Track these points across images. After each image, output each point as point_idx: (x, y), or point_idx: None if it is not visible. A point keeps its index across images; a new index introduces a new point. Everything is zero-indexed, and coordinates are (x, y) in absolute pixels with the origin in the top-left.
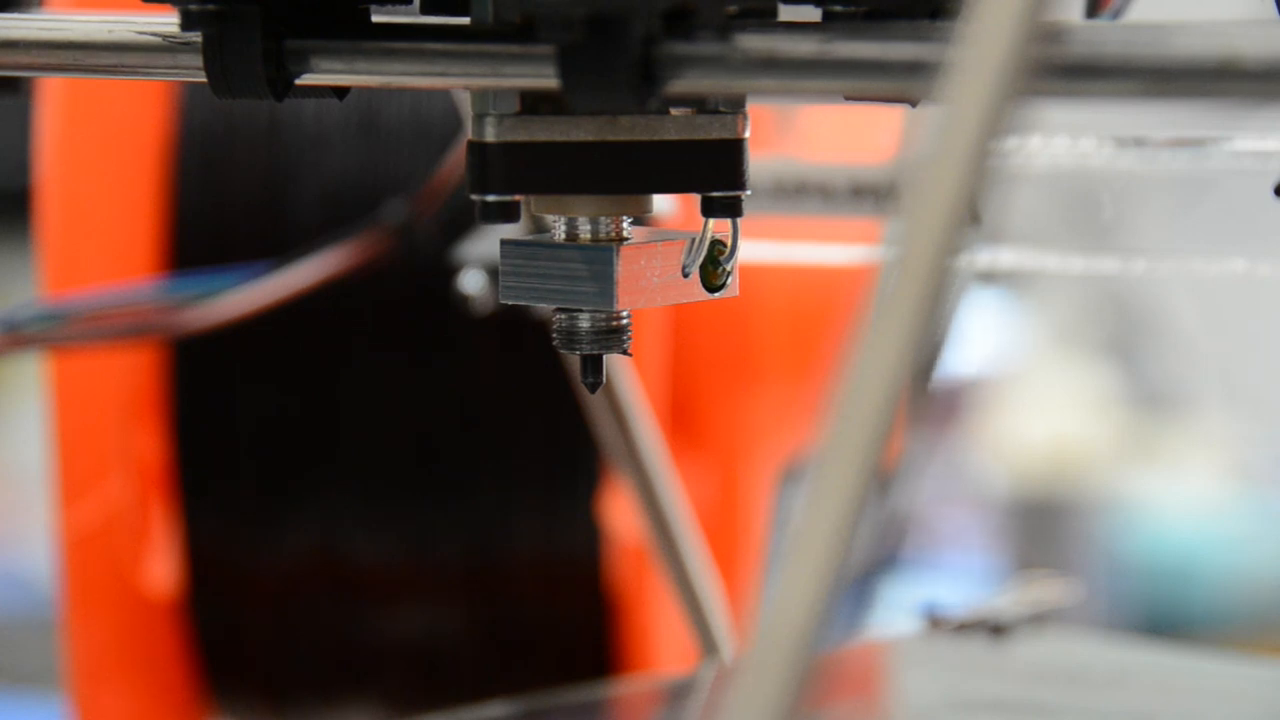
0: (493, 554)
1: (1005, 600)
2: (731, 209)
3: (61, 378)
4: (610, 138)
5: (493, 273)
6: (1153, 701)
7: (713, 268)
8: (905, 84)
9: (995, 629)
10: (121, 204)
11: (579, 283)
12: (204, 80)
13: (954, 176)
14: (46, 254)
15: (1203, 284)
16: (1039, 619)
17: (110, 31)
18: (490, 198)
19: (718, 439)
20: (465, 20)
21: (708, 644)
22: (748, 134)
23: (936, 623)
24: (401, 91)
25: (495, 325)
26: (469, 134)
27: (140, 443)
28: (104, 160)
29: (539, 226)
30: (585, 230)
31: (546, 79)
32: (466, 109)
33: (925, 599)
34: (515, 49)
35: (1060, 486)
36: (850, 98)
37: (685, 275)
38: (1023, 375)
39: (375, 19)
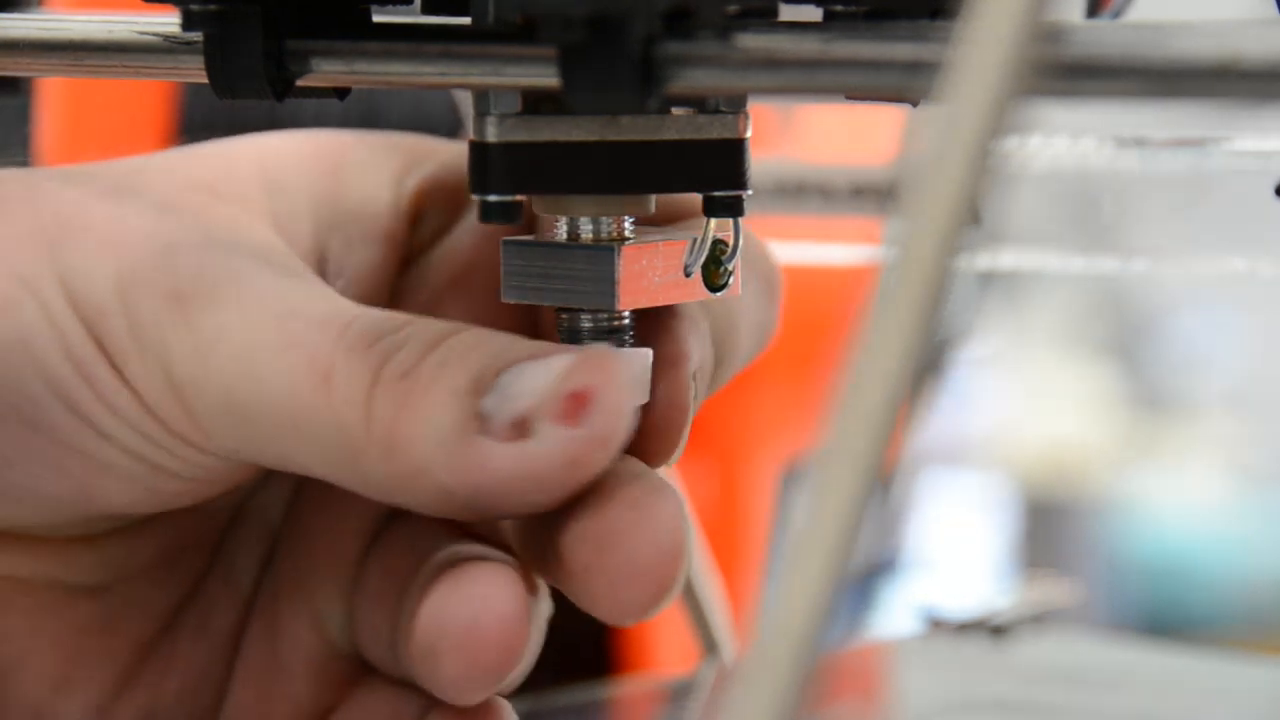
0: None
1: (1005, 600)
2: (733, 209)
3: None
4: (611, 138)
5: None
6: (1153, 701)
7: (715, 267)
8: (905, 84)
9: (995, 629)
10: None
11: (580, 282)
12: (204, 80)
13: (954, 176)
14: None
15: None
16: (1039, 619)
17: (110, 31)
18: (491, 198)
19: (718, 439)
20: (465, 20)
21: (708, 644)
22: (749, 134)
23: (937, 623)
24: (401, 91)
25: None
26: (470, 134)
27: None
28: (103, 160)
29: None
30: (587, 230)
31: (547, 79)
32: (466, 109)
33: (926, 600)
34: (515, 49)
35: (1061, 487)
36: (850, 98)
37: (687, 275)
38: (1023, 376)
39: (376, 19)
